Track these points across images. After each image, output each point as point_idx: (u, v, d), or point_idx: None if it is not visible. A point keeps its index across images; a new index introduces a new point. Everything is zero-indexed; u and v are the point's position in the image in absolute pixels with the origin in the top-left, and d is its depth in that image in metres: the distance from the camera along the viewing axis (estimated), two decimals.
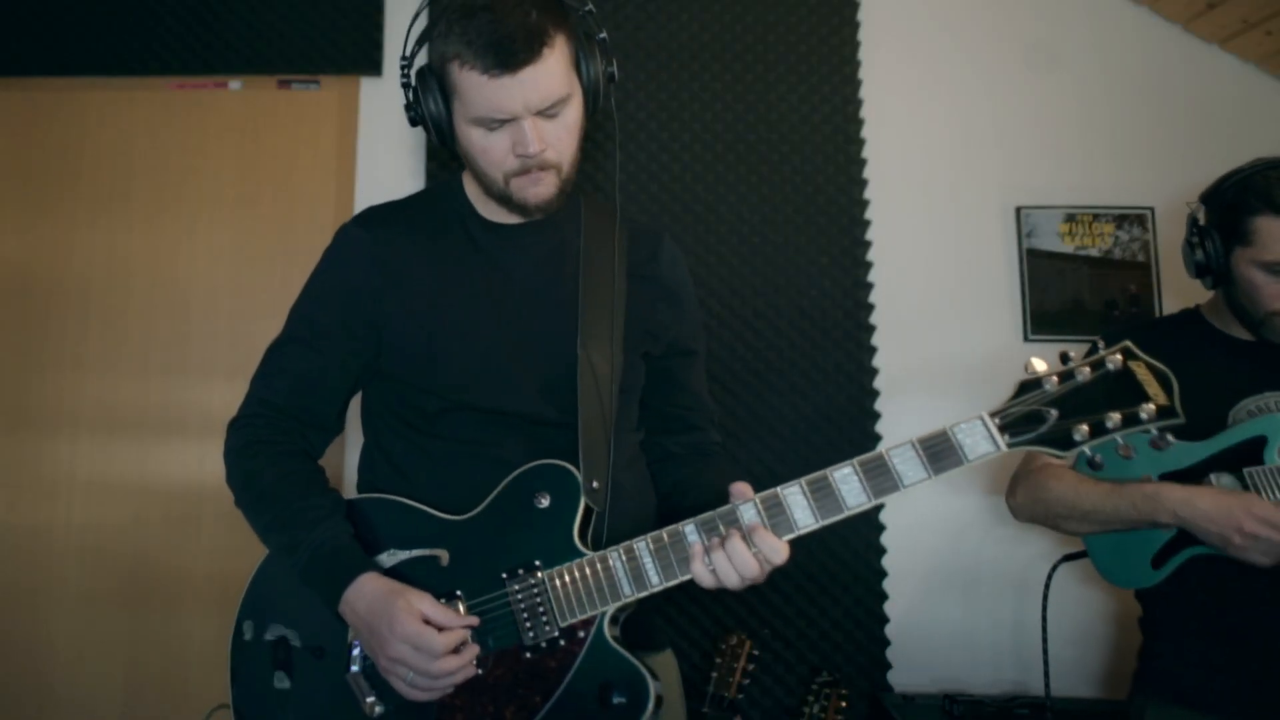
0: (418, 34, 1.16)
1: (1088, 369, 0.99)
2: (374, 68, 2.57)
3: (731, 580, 1.02)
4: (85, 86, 2.58)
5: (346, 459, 2.38)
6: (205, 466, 2.44)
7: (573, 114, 1.14)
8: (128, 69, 2.55)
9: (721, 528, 1.04)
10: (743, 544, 1.01)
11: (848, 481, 1.03)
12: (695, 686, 2.12)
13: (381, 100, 2.59)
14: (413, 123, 1.17)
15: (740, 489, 1.06)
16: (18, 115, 2.59)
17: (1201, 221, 1.55)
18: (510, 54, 1.04)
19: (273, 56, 2.56)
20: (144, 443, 2.46)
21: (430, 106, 1.13)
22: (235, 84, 2.61)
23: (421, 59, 1.17)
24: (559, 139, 1.13)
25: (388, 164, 2.55)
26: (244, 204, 2.55)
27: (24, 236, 2.54)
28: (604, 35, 1.15)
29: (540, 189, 1.14)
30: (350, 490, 1.26)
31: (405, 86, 1.16)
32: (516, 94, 1.06)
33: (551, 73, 1.08)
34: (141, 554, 2.41)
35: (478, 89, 1.06)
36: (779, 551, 1.01)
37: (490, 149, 1.12)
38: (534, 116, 1.09)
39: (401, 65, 1.16)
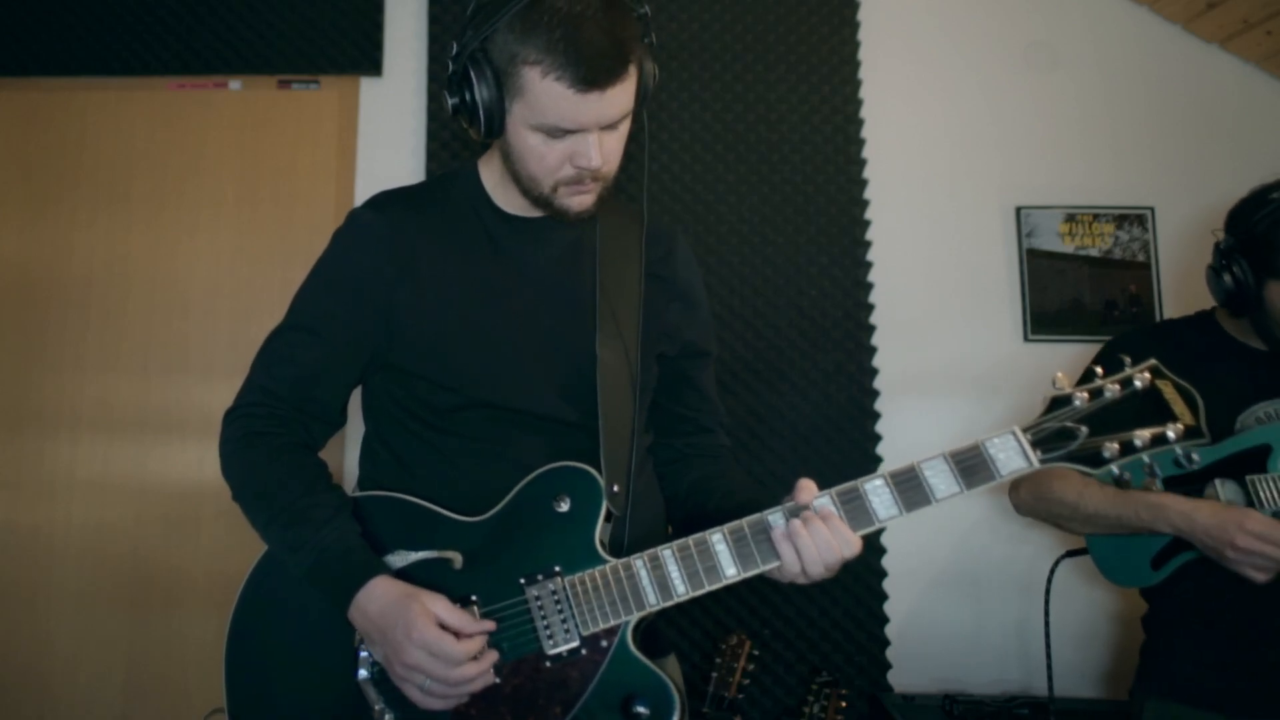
0: (469, 16, 1.09)
1: (1116, 386, 0.99)
2: (374, 68, 2.57)
3: (815, 566, 1.00)
4: (85, 86, 2.58)
5: (346, 454, 2.38)
6: (205, 466, 2.44)
7: (627, 123, 1.11)
8: (128, 69, 2.55)
9: (751, 538, 1.03)
10: (824, 526, 1.00)
11: (879, 493, 1.02)
12: (695, 686, 2.12)
13: (381, 100, 2.59)
14: (454, 110, 1.11)
15: (805, 485, 1.04)
16: (18, 115, 2.59)
17: (1227, 248, 1.53)
18: (603, 72, 1.01)
19: (273, 56, 2.56)
20: (144, 443, 2.46)
21: (483, 94, 1.06)
22: (235, 84, 2.61)
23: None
24: (613, 151, 1.11)
25: (388, 164, 2.55)
26: (244, 204, 2.55)
27: (24, 236, 2.54)
28: (653, 39, 1.12)
29: (586, 198, 1.12)
30: (351, 486, 1.23)
31: (453, 75, 1.09)
32: (596, 110, 1.03)
33: (629, 89, 1.06)
34: (141, 554, 2.41)
35: (556, 99, 1.02)
36: (851, 544, 1.01)
37: (547, 156, 1.08)
38: (599, 130, 1.06)
39: (454, 52, 1.09)
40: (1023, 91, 2.59)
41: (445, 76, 1.12)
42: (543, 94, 1.02)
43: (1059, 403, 1.01)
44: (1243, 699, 1.41)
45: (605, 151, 1.08)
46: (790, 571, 1.02)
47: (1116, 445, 0.98)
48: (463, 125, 1.13)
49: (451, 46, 1.10)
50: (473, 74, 1.06)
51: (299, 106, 2.59)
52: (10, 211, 2.55)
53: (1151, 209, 2.51)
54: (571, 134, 1.06)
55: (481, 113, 1.07)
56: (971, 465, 1.01)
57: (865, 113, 2.55)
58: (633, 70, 1.05)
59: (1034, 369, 2.43)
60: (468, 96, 1.08)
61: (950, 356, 2.47)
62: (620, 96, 1.05)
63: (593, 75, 1.00)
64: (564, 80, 1.00)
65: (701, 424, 1.34)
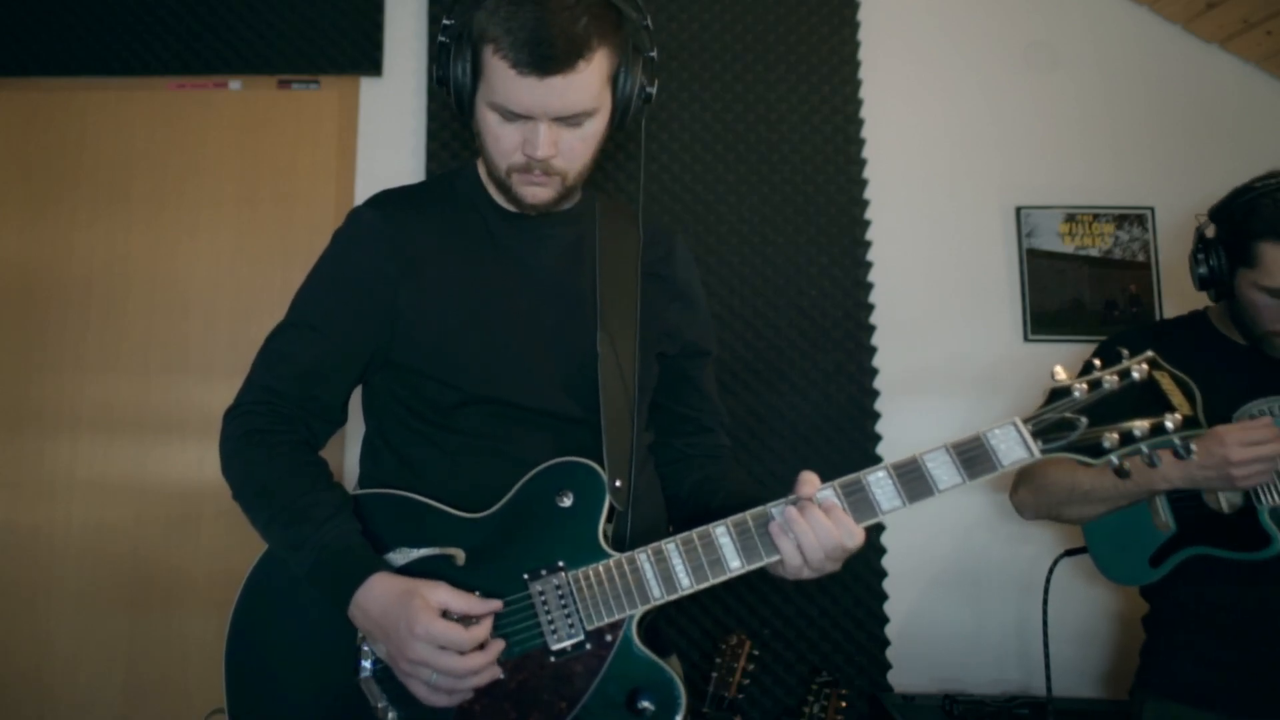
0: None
1: (1115, 377, 1.00)
2: (374, 68, 2.57)
3: (815, 554, 1.00)
4: (85, 86, 2.58)
5: (346, 453, 2.38)
6: (205, 466, 2.44)
7: (595, 126, 1.11)
8: (128, 69, 2.55)
9: (754, 531, 1.03)
10: (822, 514, 0.99)
11: (882, 485, 1.02)
12: (695, 686, 2.12)
13: (381, 100, 2.59)
14: (440, 82, 1.13)
15: (807, 478, 1.04)
16: (18, 115, 2.59)
17: (1208, 235, 1.56)
18: (543, 59, 1.01)
19: (273, 56, 2.56)
20: (144, 443, 2.46)
21: (457, 73, 1.09)
22: (235, 84, 2.61)
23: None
24: (572, 149, 1.10)
25: (388, 164, 2.55)
26: (244, 204, 2.55)
27: (24, 236, 2.54)
28: (654, 53, 1.12)
29: (538, 190, 1.12)
30: (352, 484, 1.22)
31: (440, 48, 1.12)
32: (539, 97, 1.04)
33: (582, 86, 1.05)
34: (141, 554, 2.41)
35: (501, 78, 1.04)
36: (854, 534, 1.00)
37: (502, 138, 1.09)
38: (552, 122, 1.06)
39: (444, 25, 1.11)
40: (1023, 91, 2.59)
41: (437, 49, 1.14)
42: (493, 71, 1.05)
43: (1058, 394, 1.01)
44: (1243, 699, 1.41)
45: (560, 145, 1.09)
46: (792, 564, 1.02)
47: (1116, 435, 0.98)
48: (448, 100, 1.15)
49: (442, 23, 1.13)
50: (453, 50, 1.09)
51: (299, 106, 2.59)
52: (10, 211, 2.55)
53: (1151, 209, 2.51)
54: (523, 120, 1.07)
55: (453, 89, 1.11)
56: (973, 456, 1.01)
57: (865, 113, 2.55)
58: (585, 68, 1.04)
59: (1034, 369, 2.43)
60: (446, 72, 1.11)
61: (950, 356, 2.47)
62: (566, 90, 1.04)
63: (532, 60, 1.01)
64: (507, 60, 1.02)
65: (702, 424, 1.34)
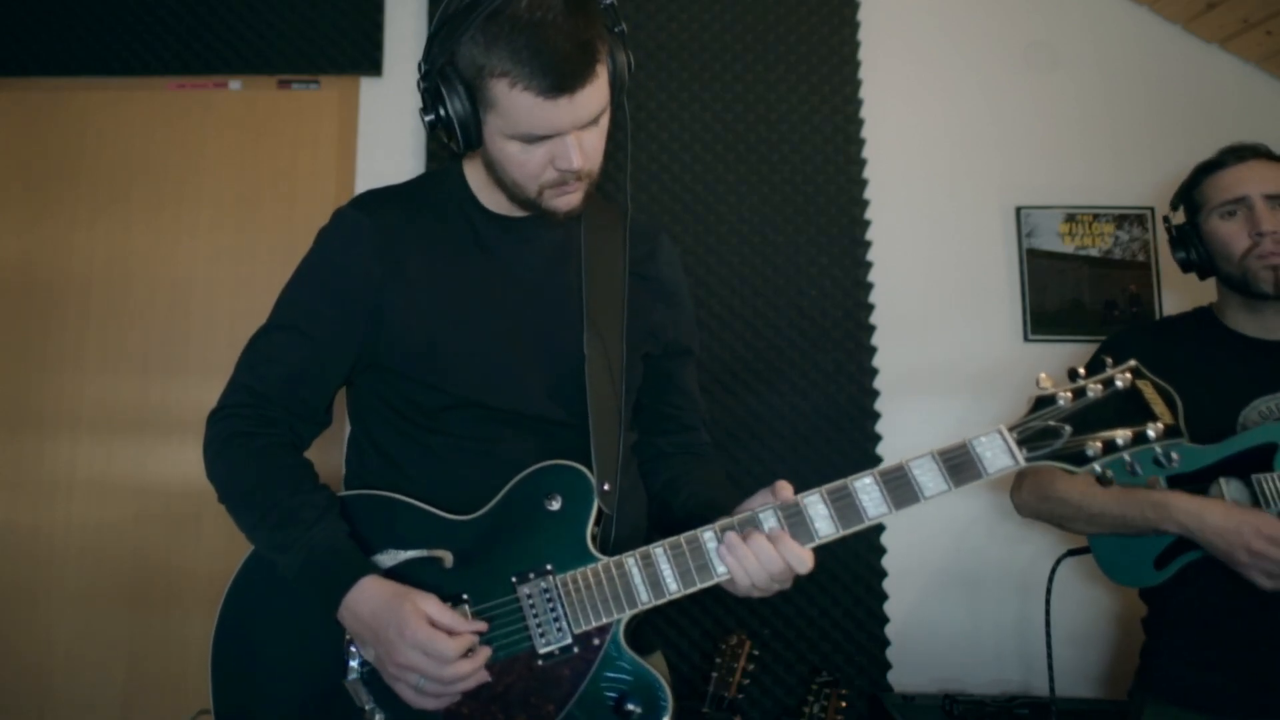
0: (434, 32, 1.09)
1: (1099, 386, 1.01)
2: (374, 68, 2.57)
3: (760, 578, 1.01)
4: (85, 86, 2.59)
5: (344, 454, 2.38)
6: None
7: (606, 117, 1.11)
8: (128, 69, 2.55)
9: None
10: (768, 542, 1.01)
11: (868, 491, 1.03)
12: (695, 686, 2.12)
13: (381, 100, 2.59)
14: (430, 126, 1.10)
15: (780, 487, 1.04)
16: (18, 115, 2.59)
17: (1175, 220, 1.66)
18: (570, 76, 1.00)
19: (273, 56, 2.56)
20: (144, 443, 2.46)
21: (456, 108, 1.06)
22: (235, 84, 2.61)
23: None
24: (594, 147, 1.10)
25: (388, 164, 2.55)
26: (244, 204, 2.56)
27: (24, 236, 2.54)
28: (623, 28, 1.11)
29: (571, 198, 1.12)
30: (341, 486, 1.22)
31: (425, 91, 1.10)
32: (569, 114, 1.03)
33: (601, 87, 1.05)
34: (141, 554, 2.41)
35: (527, 109, 1.02)
36: (803, 561, 1.01)
37: (528, 162, 1.08)
38: (577, 130, 1.06)
39: (423, 68, 1.10)
40: (1023, 91, 2.59)
41: (420, 92, 1.11)
42: (513, 105, 1.02)
43: (1043, 402, 1.03)
44: (1242, 703, 1.40)
45: (586, 149, 1.08)
46: (741, 584, 1.03)
47: (1099, 444, 1.00)
48: (443, 139, 1.12)
49: (420, 66, 1.10)
50: (443, 89, 1.06)
51: (299, 106, 2.59)
52: (10, 211, 2.55)
53: (1151, 209, 2.51)
54: (549, 138, 1.06)
55: (457, 127, 1.07)
56: (959, 463, 1.02)
57: (865, 113, 2.55)
58: (601, 70, 1.04)
59: (1034, 369, 2.39)
60: (442, 112, 1.08)
61: (950, 356, 2.47)
62: (592, 97, 1.04)
63: (560, 82, 1.00)
64: (532, 90, 1.00)
65: (684, 422, 1.34)
